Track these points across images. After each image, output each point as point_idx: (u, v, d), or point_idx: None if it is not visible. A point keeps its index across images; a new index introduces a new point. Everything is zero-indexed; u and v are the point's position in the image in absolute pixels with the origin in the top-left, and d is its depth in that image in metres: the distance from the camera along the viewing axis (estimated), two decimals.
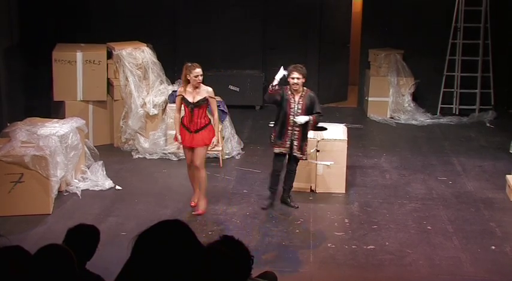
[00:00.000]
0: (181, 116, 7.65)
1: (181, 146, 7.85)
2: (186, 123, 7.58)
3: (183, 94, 7.49)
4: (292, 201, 7.99)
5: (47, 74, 10.15)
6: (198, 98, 7.47)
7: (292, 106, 7.57)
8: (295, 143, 7.66)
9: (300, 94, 7.59)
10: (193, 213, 7.72)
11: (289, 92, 7.59)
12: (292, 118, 7.59)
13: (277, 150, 7.77)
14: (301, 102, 7.57)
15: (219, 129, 9.46)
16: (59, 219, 7.46)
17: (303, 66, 7.69)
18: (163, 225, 2.61)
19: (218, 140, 8.06)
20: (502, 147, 10.05)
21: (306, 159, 7.97)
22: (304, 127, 7.67)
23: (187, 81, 7.48)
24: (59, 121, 8.55)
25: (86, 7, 12.20)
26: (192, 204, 7.88)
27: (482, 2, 11.83)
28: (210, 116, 7.67)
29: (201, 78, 7.44)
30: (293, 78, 7.53)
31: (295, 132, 7.63)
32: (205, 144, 7.59)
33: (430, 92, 12.10)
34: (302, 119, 7.56)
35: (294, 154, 7.73)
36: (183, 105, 7.55)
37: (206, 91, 7.52)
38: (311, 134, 8.60)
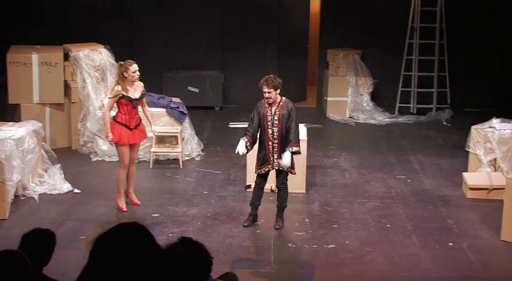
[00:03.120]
0: (111, 115, 7.64)
1: (116, 146, 7.65)
2: (125, 121, 7.57)
3: (123, 93, 7.50)
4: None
5: (1, 77, 9.95)
6: (138, 94, 7.59)
7: (269, 119, 7.27)
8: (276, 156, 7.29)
9: (277, 105, 7.27)
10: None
11: (266, 105, 7.28)
12: (271, 137, 7.26)
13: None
14: (277, 113, 7.26)
15: (179, 131, 9.43)
16: (15, 224, 7.31)
17: (275, 78, 7.23)
18: (121, 228, 2.59)
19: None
20: (458, 145, 10.20)
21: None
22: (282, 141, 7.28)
23: (124, 79, 7.50)
24: (15, 124, 8.41)
25: (41, 8, 12.01)
26: (125, 209, 7.79)
27: (437, 3, 12.01)
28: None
29: (138, 73, 7.55)
30: (264, 92, 7.19)
31: (275, 145, 7.28)
32: (145, 138, 7.91)
33: (388, 91, 12.24)
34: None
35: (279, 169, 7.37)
36: (119, 104, 7.52)
37: (141, 86, 7.65)
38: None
